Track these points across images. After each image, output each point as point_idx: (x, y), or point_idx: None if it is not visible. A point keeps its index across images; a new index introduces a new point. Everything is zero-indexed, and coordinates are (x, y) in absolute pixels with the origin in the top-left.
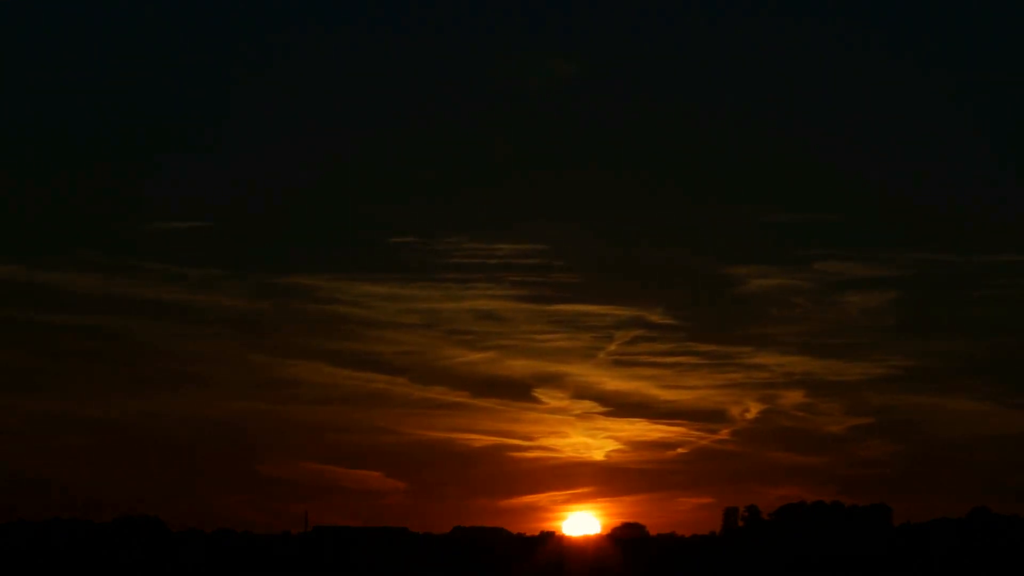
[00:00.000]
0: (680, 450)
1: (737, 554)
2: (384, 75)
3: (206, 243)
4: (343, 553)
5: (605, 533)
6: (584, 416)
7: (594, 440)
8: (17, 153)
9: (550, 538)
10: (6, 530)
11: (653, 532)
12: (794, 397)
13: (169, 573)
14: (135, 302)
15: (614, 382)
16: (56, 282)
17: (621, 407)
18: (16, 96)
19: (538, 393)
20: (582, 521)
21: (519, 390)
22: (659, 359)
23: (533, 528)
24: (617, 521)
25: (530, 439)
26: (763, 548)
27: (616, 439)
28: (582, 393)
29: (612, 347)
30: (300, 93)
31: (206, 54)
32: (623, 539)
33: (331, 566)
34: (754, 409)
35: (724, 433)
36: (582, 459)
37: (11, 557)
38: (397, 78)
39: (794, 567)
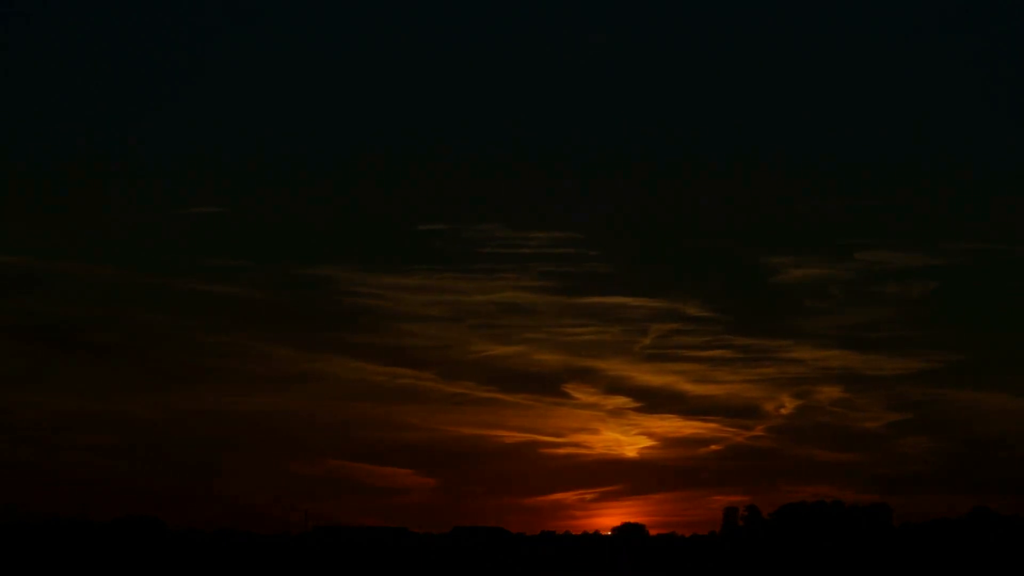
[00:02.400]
0: (714, 447)
1: (737, 554)
2: (413, 56)
3: (227, 231)
4: (343, 553)
5: (605, 533)
6: (616, 412)
7: (626, 437)
8: (32, 143)
9: (551, 538)
10: (7, 530)
11: (653, 532)
12: (832, 392)
13: (169, 573)
14: (156, 293)
15: (648, 377)
16: (73, 273)
17: (654, 403)
18: (22, 88)
19: (569, 388)
20: (613, 519)
21: (549, 385)
22: (694, 353)
23: (554, 527)
24: (650, 519)
25: (561, 435)
26: (763, 548)
27: (649, 436)
28: (614, 388)
29: (646, 340)
30: (321, 76)
31: (217, 42)
32: (622, 539)
33: (331, 566)
34: (790, 405)
35: (759, 430)
36: (614, 456)
37: (11, 557)
38: (426, 59)
39: (794, 567)
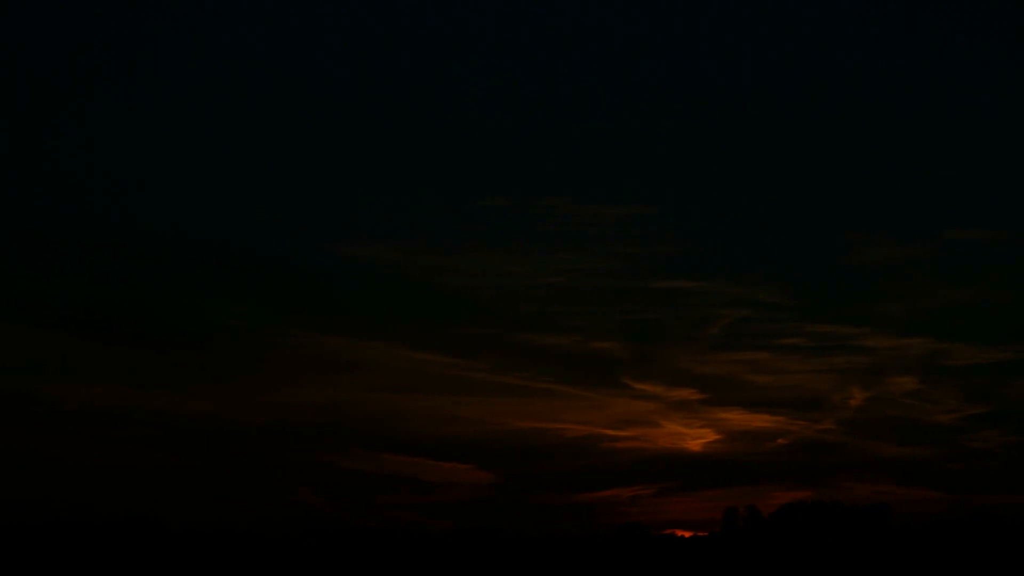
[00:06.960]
0: (780, 441)
1: (737, 554)
2: (469, 13)
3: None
4: (342, 553)
5: (604, 533)
6: (680, 404)
7: (690, 430)
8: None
9: (551, 539)
10: (9, 531)
11: (653, 532)
12: (905, 383)
13: (189, 573)
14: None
15: (714, 367)
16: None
17: (720, 395)
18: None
19: (630, 379)
20: (672, 515)
21: (610, 375)
22: (763, 341)
23: (605, 524)
24: (710, 515)
25: (621, 428)
26: (763, 548)
27: (715, 429)
28: (679, 379)
29: (714, 329)
30: (369, 34)
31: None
32: (622, 540)
33: (330, 566)
34: (860, 396)
35: (828, 423)
36: (677, 450)
37: (10, 559)
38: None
39: (794, 567)
